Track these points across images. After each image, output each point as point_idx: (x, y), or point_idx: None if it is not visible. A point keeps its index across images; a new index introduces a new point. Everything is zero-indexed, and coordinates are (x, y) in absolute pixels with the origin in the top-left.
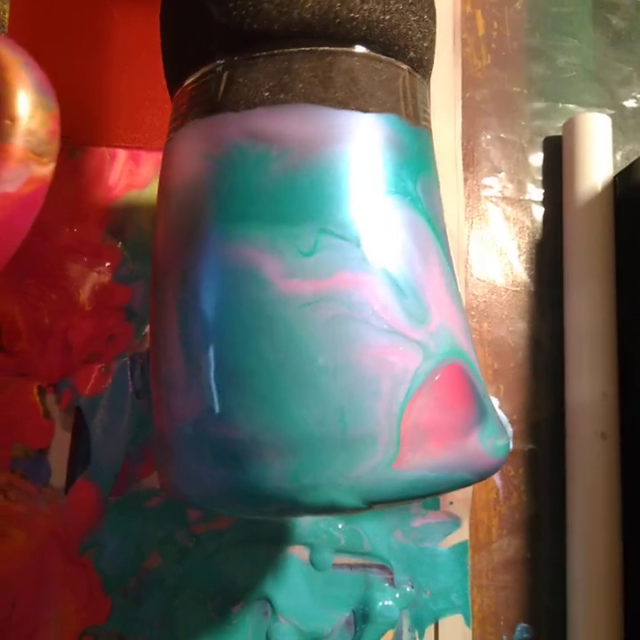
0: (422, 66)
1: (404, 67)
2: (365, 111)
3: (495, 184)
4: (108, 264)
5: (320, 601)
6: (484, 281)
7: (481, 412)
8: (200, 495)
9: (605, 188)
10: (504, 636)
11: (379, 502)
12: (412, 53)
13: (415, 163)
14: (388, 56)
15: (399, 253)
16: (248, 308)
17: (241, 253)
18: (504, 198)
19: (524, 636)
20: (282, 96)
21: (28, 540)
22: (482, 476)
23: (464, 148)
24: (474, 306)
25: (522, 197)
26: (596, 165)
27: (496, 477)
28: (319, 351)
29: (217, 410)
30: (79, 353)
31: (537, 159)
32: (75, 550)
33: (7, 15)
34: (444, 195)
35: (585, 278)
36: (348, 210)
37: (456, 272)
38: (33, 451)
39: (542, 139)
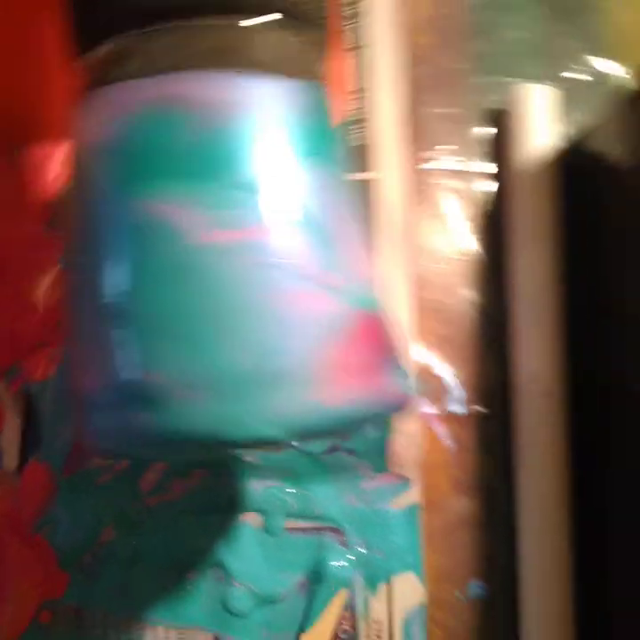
0: (319, 33)
1: (301, 36)
2: (268, 76)
3: (441, 157)
4: (53, 254)
5: (274, 565)
6: (432, 251)
7: (391, 356)
8: (128, 443)
9: (550, 160)
10: (458, 593)
11: (300, 433)
12: (308, 23)
13: (320, 123)
14: (286, 27)
15: (315, 209)
16: (167, 258)
17: (158, 209)
18: (450, 171)
19: (478, 592)
20: (187, 63)
21: None
22: (391, 410)
23: (409, 123)
24: (423, 275)
25: (468, 170)
26: (540, 136)
27: (447, 439)
28: (239, 296)
29: (141, 357)
30: (28, 340)
31: (482, 132)
32: (29, 529)
33: None
34: (387, 170)
35: (530, 245)
36: (257, 168)
37: (404, 244)
38: None
39: (487, 112)
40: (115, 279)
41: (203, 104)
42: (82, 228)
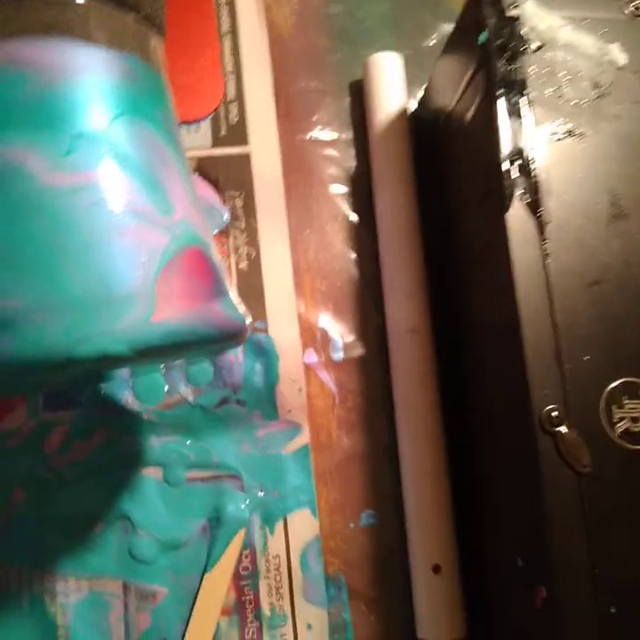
0: (149, 19)
1: (131, 16)
2: (101, 45)
3: (309, 129)
4: None
5: (176, 513)
6: (306, 216)
7: (220, 288)
8: None
9: (401, 120)
10: (351, 524)
11: (143, 350)
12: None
13: (147, 90)
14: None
15: (143, 159)
16: (14, 198)
17: (5, 154)
18: (319, 141)
19: (370, 521)
20: (26, 31)
21: None
22: (224, 334)
23: (278, 99)
24: (302, 237)
25: (334, 138)
26: (392, 100)
27: (331, 384)
28: (82, 231)
29: None
30: None
31: (345, 103)
32: None
33: None
34: (264, 143)
35: (392, 200)
36: (93, 123)
37: (283, 211)
38: None
39: (347, 83)
40: None
41: (40, 65)
42: None
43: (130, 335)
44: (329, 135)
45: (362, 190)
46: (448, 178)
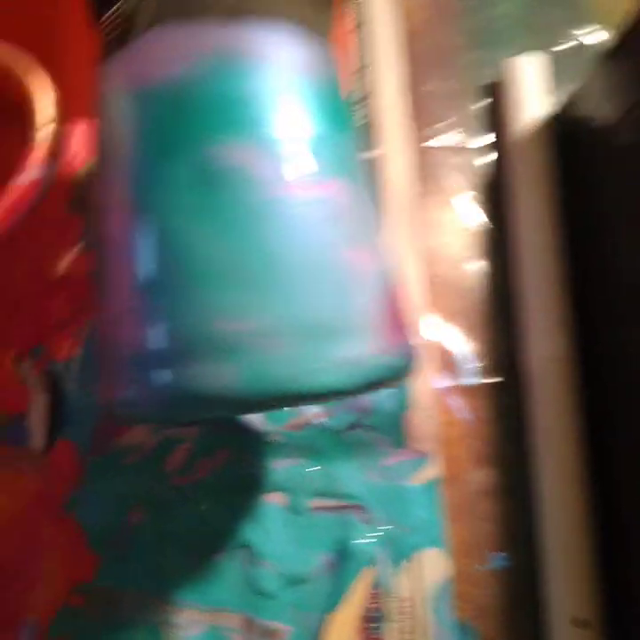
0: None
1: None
2: (323, 39)
3: (440, 132)
4: (73, 233)
5: (300, 544)
6: (438, 225)
7: (410, 317)
8: (201, 396)
9: (544, 126)
10: (481, 565)
11: (363, 385)
12: None
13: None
14: None
15: (360, 173)
16: (245, 208)
17: (233, 158)
18: (451, 146)
19: (501, 563)
20: (236, 11)
21: (11, 502)
22: (411, 365)
23: (409, 99)
24: (431, 250)
25: (467, 143)
26: (532, 105)
27: (462, 412)
28: (313, 249)
29: (225, 306)
30: (51, 320)
31: (478, 106)
32: (58, 510)
33: None
34: (395, 147)
35: (531, 212)
36: (328, 127)
37: (411, 220)
38: (11, 415)
39: (482, 85)
40: (182, 228)
41: (263, 58)
42: (131, 186)
43: (357, 369)
44: (460, 140)
45: (496, 200)
46: (599, 194)
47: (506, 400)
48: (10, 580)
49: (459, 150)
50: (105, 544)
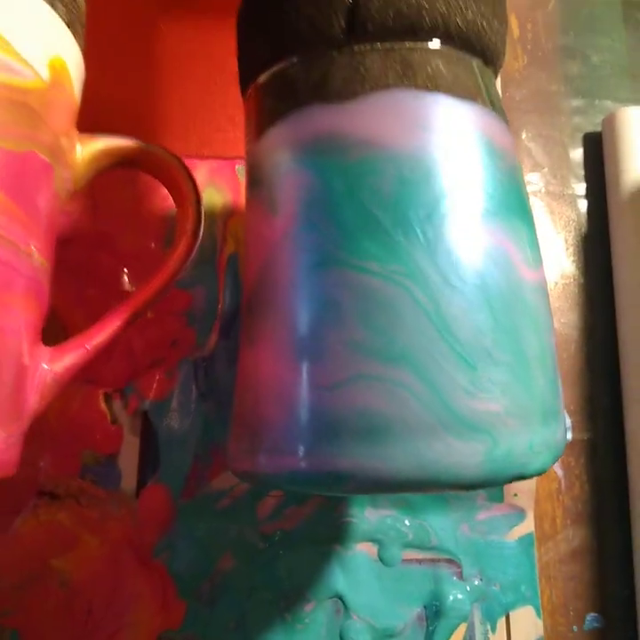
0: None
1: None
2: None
3: (538, 180)
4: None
5: (391, 597)
6: None
7: None
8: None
9: None
10: (574, 627)
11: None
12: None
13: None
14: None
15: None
16: (504, 289)
17: (497, 239)
18: (548, 193)
19: (595, 625)
20: (390, 83)
21: (101, 545)
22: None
23: None
24: None
25: (565, 192)
26: (636, 158)
27: (557, 468)
28: (546, 332)
29: (472, 385)
30: (143, 359)
31: (577, 154)
32: (148, 554)
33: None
34: None
35: (634, 267)
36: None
37: None
38: (103, 456)
39: (582, 134)
40: (463, 303)
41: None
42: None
43: (556, 453)
44: (557, 188)
45: (594, 250)
46: None
47: (601, 457)
48: (97, 624)
49: (557, 197)
50: (192, 591)
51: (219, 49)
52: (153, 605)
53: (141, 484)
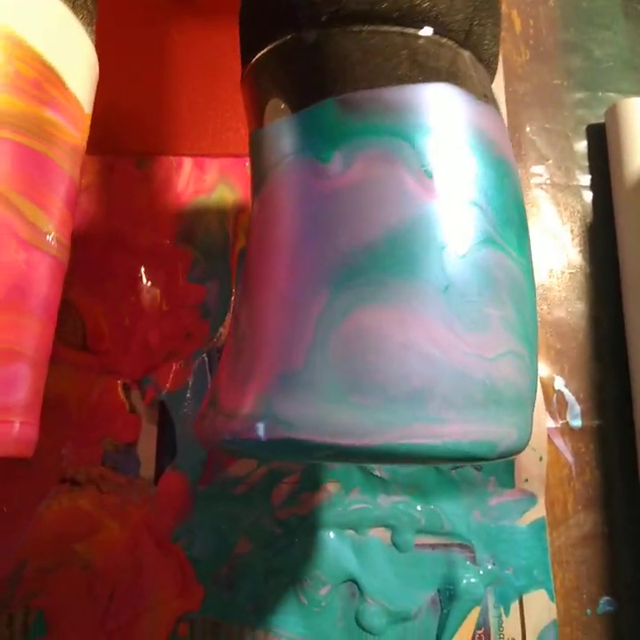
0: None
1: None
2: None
3: (543, 172)
4: (181, 266)
5: (405, 581)
6: (540, 265)
7: None
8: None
9: None
10: (588, 610)
11: None
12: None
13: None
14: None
15: None
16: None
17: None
18: (553, 185)
19: (608, 608)
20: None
21: (121, 530)
22: None
23: (511, 139)
24: (537, 291)
25: (570, 183)
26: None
27: (567, 454)
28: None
29: None
30: (159, 351)
31: (582, 146)
32: (167, 539)
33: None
34: None
35: (639, 256)
36: None
37: None
38: (122, 444)
39: (585, 126)
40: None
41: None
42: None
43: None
44: (562, 179)
45: (600, 240)
46: None
47: (610, 444)
48: (119, 607)
49: (563, 189)
50: (211, 575)
51: (227, 52)
52: (173, 589)
53: (160, 471)
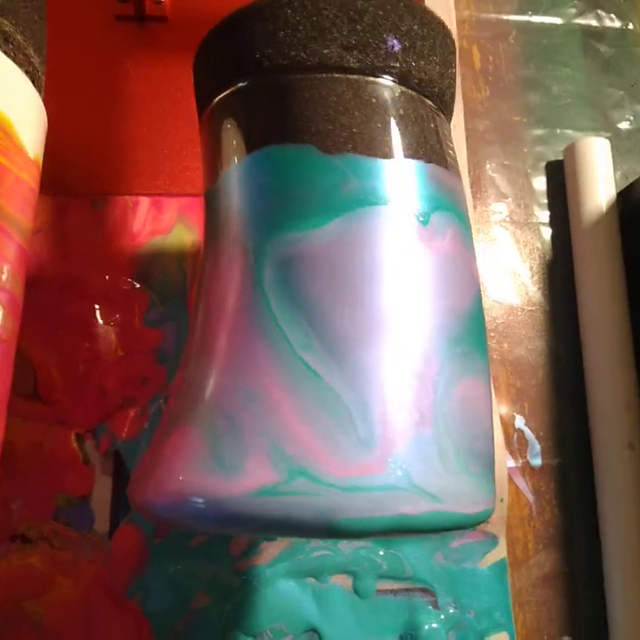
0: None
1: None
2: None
3: (503, 209)
4: (137, 309)
5: (367, 629)
6: (500, 303)
7: None
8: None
9: (609, 207)
10: None
11: None
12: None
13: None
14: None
15: None
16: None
17: None
18: (513, 222)
19: None
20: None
21: (74, 587)
22: None
23: (471, 176)
24: (493, 327)
25: (529, 220)
26: (599, 186)
27: (528, 493)
28: None
29: None
30: (114, 398)
31: (540, 183)
32: (122, 595)
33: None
34: None
35: (597, 293)
36: None
37: None
38: (75, 498)
39: (544, 163)
40: None
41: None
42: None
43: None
44: (521, 217)
45: (559, 277)
46: None
47: (570, 483)
48: None
49: (522, 226)
50: (167, 630)
51: (183, 88)
52: None
53: (114, 524)
